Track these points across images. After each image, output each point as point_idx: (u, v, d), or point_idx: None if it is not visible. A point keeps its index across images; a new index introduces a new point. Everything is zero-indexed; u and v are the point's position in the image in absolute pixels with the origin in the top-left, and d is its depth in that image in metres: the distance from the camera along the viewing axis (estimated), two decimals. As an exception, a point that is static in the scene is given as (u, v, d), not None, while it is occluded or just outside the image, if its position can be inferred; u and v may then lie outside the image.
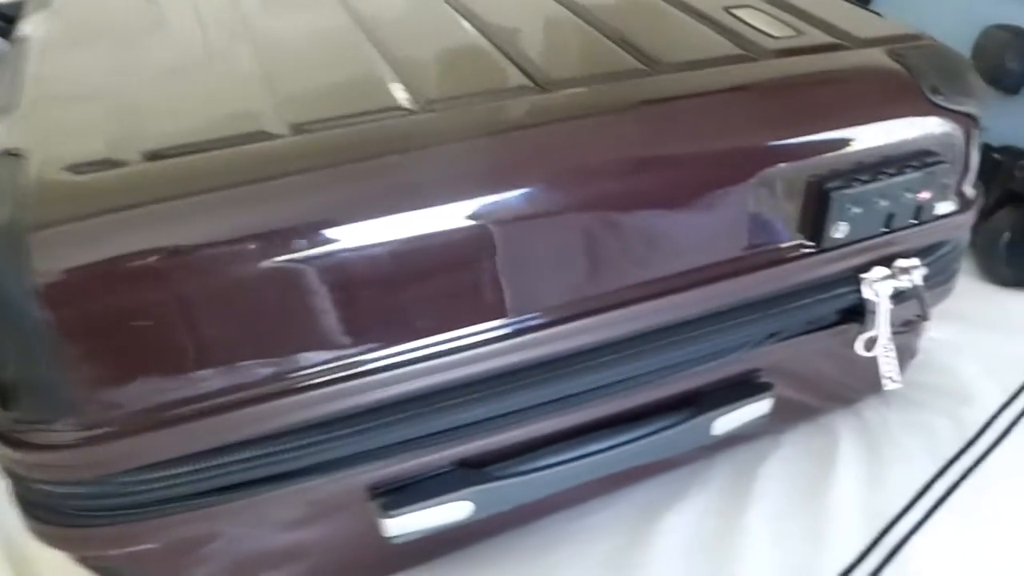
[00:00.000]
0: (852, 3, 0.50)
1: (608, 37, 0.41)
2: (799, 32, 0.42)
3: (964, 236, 0.45)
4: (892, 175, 0.39)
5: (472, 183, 0.33)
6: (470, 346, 0.35)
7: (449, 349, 0.35)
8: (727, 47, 0.40)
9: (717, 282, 0.38)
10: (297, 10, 0.45)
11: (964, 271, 0.59)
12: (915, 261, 0.42)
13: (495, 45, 0.40)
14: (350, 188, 0.32)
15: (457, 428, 0.36)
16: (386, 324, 0.34)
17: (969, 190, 0.44)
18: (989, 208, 0.57)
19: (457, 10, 0.44)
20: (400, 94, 0.36)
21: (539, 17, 0.44)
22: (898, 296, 0.42)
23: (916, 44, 0.42)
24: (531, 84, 0.36)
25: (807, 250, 0.40)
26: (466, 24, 0.42)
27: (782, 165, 0.37)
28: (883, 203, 0.39)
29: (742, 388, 0.42)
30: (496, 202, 0.33)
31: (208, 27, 0.43)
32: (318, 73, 0.38)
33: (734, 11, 0.44)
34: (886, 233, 0.41)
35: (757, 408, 0.42)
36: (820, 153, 0.38)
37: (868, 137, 0.39)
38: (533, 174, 0.34)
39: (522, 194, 0.33)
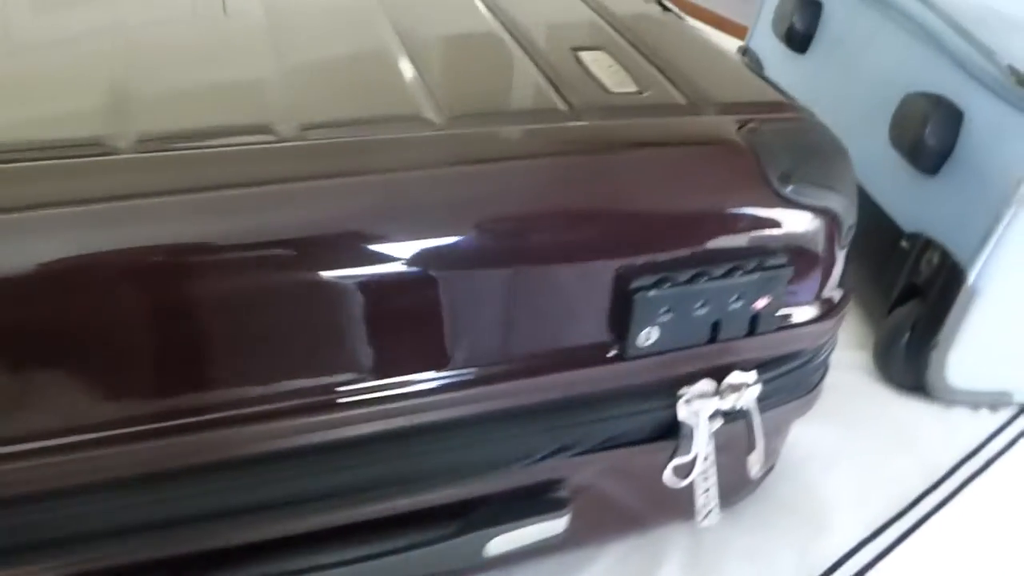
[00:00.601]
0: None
1: (420, 77, 0.34)
2: (644, 88, 0.35)
3: (827, 345, 0.39)
4: (715, 278, 0.32)
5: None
6: (182, 429, 0.29)
7: (149, 431, 0.28)
8: (540, 99, 0.33)
9: (485, 384, 0.32)
10: None
11: (861, 368, 0.52)
12: (750, 376, 0.35)
13: (260, 82, 0.33)
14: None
15: (159, 528, 0.30)
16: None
17: (832, 294, 0.37)
18: (892, 301, 0.50)
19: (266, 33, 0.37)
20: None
21: (350, 50, 0.36)
22: (729, 415, 0.35)
23: (780, 118, 0.35)
24: (267, 135, 0.30)
25: (609, 356, 0.33)
26: (266, 54, 0.35)
27: (573, 252, 0.30)
28: (703, 310, 0.32)
29: (530, 503, 0.35)
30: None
31: None
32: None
33: (581, 54, 0.37)
34: (713, 342, 0.34)
35: (545, 528, 0.36)
36: (624, 243, 0.31)
37: (688, 228, 0.32)
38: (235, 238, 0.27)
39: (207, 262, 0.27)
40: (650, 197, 0.31)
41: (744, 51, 0.70)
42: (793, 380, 0.37)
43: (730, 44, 0.74)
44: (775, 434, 0.41)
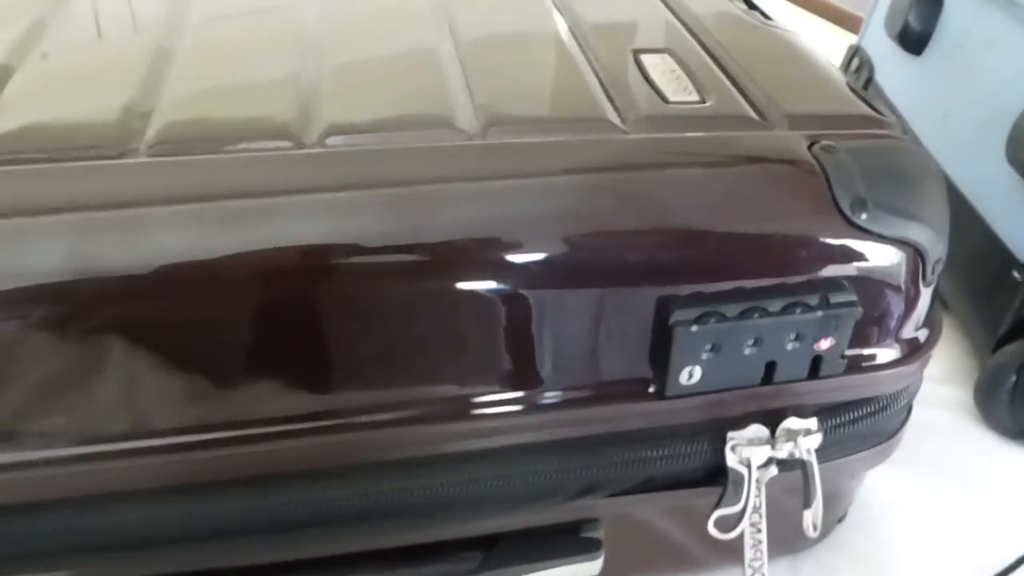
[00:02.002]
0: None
1: (463, 78, 0.32)
2: (706, 97, 0.32)
3: (909, 390, 0.34)
4: (770, 314, 0.28)
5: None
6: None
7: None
8: (586, 107, 0.31)
9: (512, 416, 0.29)
10: None
11: (961, 407, 0.47)
12: (810, 423, 0.31)
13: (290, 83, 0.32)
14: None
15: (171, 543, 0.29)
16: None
17: (916, 334, 0.33)
18: (999, 338, 0.44)
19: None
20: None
21: (396, 53, 0.35)
22: (784, 463, 0.32)
23: (864, 134, 0.31)
24: (288, 143, 0.28)
25: (647, 393, 0.30)
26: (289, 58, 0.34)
27: (608, 277, 0.28)
28: (755, 349, 0.29)
29: (562, 543, 0.33)
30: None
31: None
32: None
33: (642, 57, 0.34)
34: (767, 384, 0.30)
35: (578, 570, 0.33)
36: (664, 270, 0.28)
37: (740, 257, 0.28)
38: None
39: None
40: (697, 220, 0.28)
41: (855, 51, 0.65)
42: (866, 427, 0.33)
43: (846, 41, 0.69)
44: (846, 481, 0.37)
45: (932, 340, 0.33)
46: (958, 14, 0.53)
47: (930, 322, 0.33)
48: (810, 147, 0.30)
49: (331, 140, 0.28)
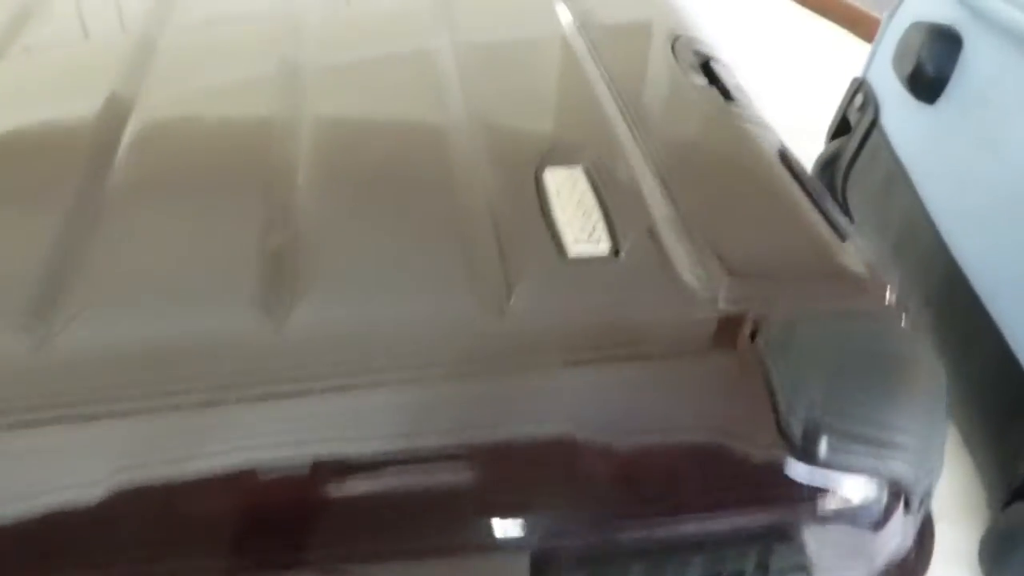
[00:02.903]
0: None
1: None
2: (619, 242, 0.23)
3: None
4: (683, 586, 0.20)
5: None
6: None
7: None
8: (448, 272, 0.22)
9: None
10: None
11: (964, 561, 0.39)
12: None
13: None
14: None
15: None
16: None
17: (896, 567, 0.24)
18: (1016, 486, 0.36)
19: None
20: None
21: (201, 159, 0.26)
22: None
23: (835, 312, 0.22)
24: (24, 336, 0.20)
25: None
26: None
27: (455, 525, 0.20)
28: (663, 626, 0.21)
29: None
30: None
31: None
32: None
33: (546, 176, 0.26)
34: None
35: None
36: (537, 519, 0.20)
37: (640, 502, 0.20)
38: None
39: None
40: (580, 449, 0.20)
41: (859, 84, 0.55)
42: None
43: (859, 49, 0.59)
44: None
45: (920, 568, 0.25)
46: (982, 60, 0.44)
47: (919, 543, 0.25)
48: (752, 335, 0.21)
49: (72, 329, 0.20)
